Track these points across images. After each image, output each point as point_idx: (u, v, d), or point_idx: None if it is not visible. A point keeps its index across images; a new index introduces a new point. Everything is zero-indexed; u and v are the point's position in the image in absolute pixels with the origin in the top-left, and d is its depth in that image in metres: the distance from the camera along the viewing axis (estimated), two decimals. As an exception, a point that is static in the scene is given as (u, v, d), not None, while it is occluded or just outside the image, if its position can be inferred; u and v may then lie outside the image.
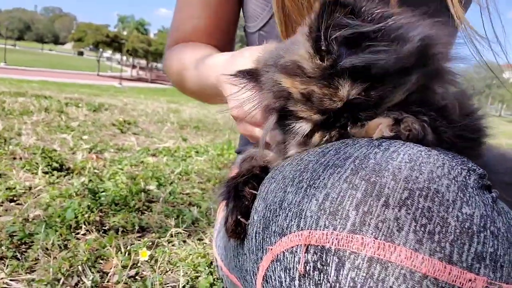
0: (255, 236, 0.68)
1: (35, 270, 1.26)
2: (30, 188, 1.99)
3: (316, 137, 0.65)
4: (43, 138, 3.35)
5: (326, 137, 0.64)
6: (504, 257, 0.52)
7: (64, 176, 2.28)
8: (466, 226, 0.50)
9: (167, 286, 1.25)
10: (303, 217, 0.56)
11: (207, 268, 1.31)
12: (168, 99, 13.12)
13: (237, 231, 0.74)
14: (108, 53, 69.74)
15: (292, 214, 0.58)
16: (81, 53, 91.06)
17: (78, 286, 1.21)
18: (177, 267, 1.33)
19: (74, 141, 3.30)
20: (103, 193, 1.95)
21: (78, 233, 1.54)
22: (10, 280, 1.20)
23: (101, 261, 1.37)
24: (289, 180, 0.63)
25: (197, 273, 1.31)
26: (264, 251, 0.64)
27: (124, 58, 63.09)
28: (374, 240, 0.50)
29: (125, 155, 3.08)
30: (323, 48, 0.59)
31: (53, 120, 4.42)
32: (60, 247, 1.40)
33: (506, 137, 12.40)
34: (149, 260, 1.38)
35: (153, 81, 50.29)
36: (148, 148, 3.44)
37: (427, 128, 0.59)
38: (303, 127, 0.65)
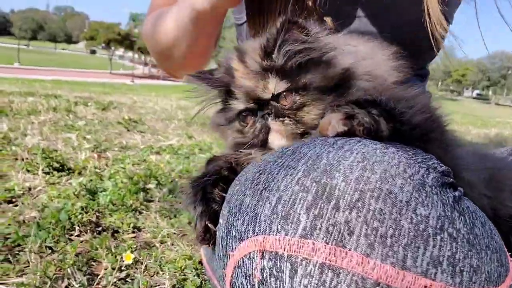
0: (221, 241, 0.66)
1: (26, 273, 1.26)
2: (30, 189, 2.00)
3: (249, 121, 0.75)
4: (48, 138, 3.37)
5: (256, 125, 0.73)
6: (464, 261, 0.49)
7: (65, 176, 2.29)
8: (420, 229, 0.48)
9: (155, 289, 1.24)
10: (257, 221, 0.54)
11: (193, 270, 1.29)
12: (179, 96, 13.07)
13: (205, 237, 0.72)
14: (120, 51, 70.17)
15: (249, 219, 0.56)
16: (93, 52, 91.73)
17: (68, 289, 1.21)
18: (163, 270, 1.32)
19: (78, 140, 3.32)
20: (102, 193, 1.96)
21: (72, 235, 1.54)
22: (0, 283, 1.20)
23: (93, 263, 1.37)
24: (249, 182, 0.61)
25: (184, 275, 1.30)
26: (228, 257, 0.63)
27: (136, 55, 63.39)
28: (325, 245, 0.48)
29: (129, 154, 3.08)
30: (270, 52, 0.71)
31: (60, 119, 4.44)
32: (52, 250, 1.40)
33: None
34: (140, 262, 1.37)
35: (165, 78, 50.42)
36: (152, 146, 3.44)
37: (379, 119, 0.56)
38: (237, 105, 0.76)
